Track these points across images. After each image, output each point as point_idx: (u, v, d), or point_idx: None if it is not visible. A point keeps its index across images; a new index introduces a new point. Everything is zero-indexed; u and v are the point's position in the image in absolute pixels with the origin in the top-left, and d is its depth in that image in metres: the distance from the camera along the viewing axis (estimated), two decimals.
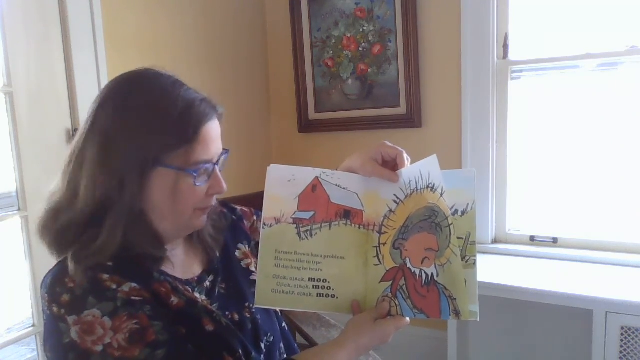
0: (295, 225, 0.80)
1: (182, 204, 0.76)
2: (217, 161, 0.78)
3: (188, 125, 0.72)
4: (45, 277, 0.73)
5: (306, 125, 2.30)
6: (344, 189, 0.82)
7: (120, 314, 0.68)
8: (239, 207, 1.02)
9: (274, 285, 0.80)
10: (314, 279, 0.80)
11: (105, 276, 0.70)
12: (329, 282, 0.80)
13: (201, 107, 0.75)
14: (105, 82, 1.52)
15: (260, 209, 0.82)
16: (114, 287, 0.69)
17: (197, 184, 0.75)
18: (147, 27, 1.74)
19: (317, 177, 0.82)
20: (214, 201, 0.81)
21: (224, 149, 0.80)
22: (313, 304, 0.80)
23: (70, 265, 0.69)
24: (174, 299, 0.75)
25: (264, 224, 0.80)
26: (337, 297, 0.80)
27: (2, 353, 1.35)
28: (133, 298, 0.70)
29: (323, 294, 0.80)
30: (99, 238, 0.71)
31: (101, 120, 0.73)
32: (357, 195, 0.82)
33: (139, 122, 0.72)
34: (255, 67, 2.31)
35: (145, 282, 0.73)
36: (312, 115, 2.28)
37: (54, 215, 0.74)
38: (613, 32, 1.73)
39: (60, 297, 0.68)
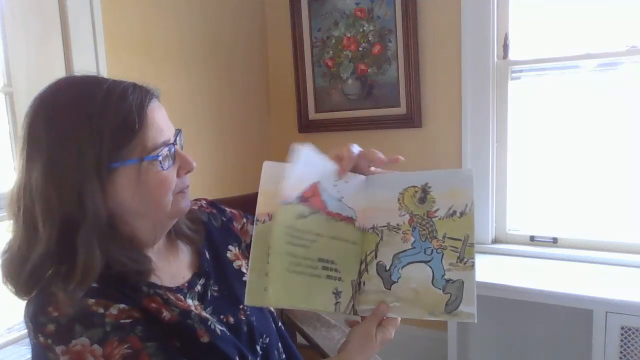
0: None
1: (158, 192, 0.72)
2: (175, 141, 0.75)
3: (130, 113, 0.68)
4: (27, 304, 0.69)
5: (306, 125, 2.30)
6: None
7: (110, 340, 0.64)
8: (228, 209, 1.00)
9: (266, 283, 0.77)
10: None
11: (91, 301, 0.66)
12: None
13: (135, 92, 0.71)
14: None
15: (252, 212, 0.80)
16: (101, 311, 0.66)
17: (164, 168, 0.72)
18: (147, 27, 1.74)
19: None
20: (188, 180, 0.79)
21: (176, 128, 0.77)
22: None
23: (61, 296, 0.65)
24: (166, 314, 0.72)
25: (257, 220, 0.77)
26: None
27: (2, 353, 1.35)
28: (122, 321, 0.66)
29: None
30: (76, 266, 0.66)
31: (36, 144, 0.67)
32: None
33: (77, 127, 0.67)
34: (255, 67, 2.31)
35: (134, 300, 0.70)
36: (312, 115, 2.28)
37: (18, 260, 0.69)
38: (613, 32, 1.73)
39: (45, 327, 0.64)
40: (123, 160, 0.68)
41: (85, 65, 1.50)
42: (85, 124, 0.67)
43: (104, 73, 1.55)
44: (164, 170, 0.72)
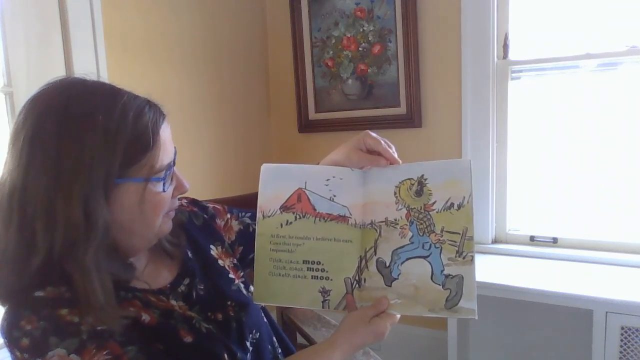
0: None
1: (153, 213, 0.72)
2: (174, 162, 0.75)
3: (145, 132, 0.68)
4: (2, 319, 0.67)
5: (306, 125, 2.30)
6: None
7: (88, 348, 0.63)
8: (210, 205, 0.98)
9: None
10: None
11: (64, 311, 0.64)
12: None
13: (151, 111, 0.70)
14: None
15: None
16: (76, 320, 0.64)
17: (166, 190, 0.72)
18: (147, 27, 1.74)
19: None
20: (177, 202, 0.79)
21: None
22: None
23: (65, 313, 0.64)
24: (145, 317, 0.71)
25: (258, 222, 0.82)
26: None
27: (2, 353, 1.35)
28: (99, 328, 0.64)
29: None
30: (85, 293, 0.64)
31: (41, 149, 0.64)
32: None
33: (92, 139, 0.64)
34: (255, 67, 2.31)
35: None
36: (312, 115, 2.28)
37: (9, 267, 0.66)
38: (613, 32, 1.73)
39: (20, 342, 0.63)
40: (129, 178, 0.68)
41: (85, 65, 1.50)
42: (100, 137, 0.65)
43: (104, 73, 1.55)
44: (165, 192, 0.72)
